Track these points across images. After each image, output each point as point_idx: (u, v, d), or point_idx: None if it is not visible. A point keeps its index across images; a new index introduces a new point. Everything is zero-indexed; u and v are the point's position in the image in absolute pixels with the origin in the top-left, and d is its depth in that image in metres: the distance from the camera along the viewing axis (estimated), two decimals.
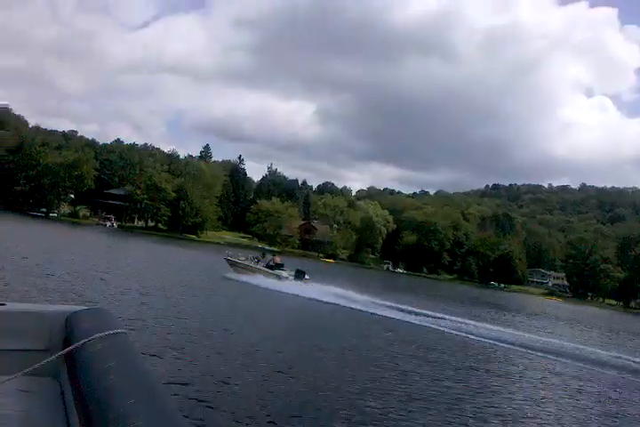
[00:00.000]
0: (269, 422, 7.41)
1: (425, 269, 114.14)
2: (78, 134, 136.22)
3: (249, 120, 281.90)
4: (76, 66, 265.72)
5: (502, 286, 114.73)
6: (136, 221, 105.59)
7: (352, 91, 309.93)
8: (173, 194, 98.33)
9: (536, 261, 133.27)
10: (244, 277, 26.44)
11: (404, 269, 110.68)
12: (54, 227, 68.41)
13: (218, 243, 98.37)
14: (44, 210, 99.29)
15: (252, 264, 28.29)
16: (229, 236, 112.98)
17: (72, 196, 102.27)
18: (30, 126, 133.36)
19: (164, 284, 22.01)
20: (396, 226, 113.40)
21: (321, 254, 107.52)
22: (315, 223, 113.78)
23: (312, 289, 25.18)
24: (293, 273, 27.81)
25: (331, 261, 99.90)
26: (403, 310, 24.53)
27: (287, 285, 25.59)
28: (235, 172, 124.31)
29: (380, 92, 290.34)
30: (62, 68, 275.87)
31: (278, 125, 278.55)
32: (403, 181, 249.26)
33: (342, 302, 23.61)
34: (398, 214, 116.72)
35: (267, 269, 27.63)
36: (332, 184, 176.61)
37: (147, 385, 1.61)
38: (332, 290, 25.67)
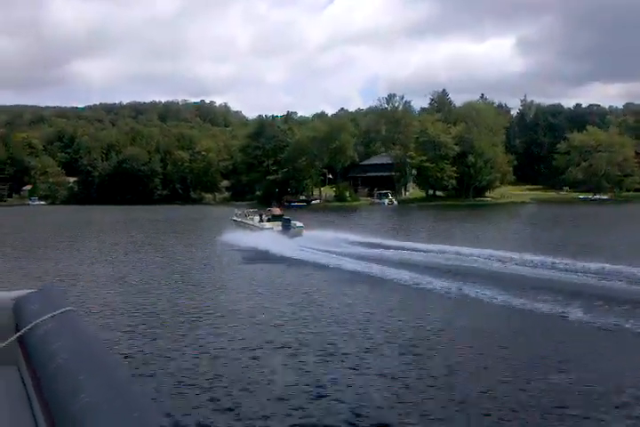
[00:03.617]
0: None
1: None
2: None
3: (445, 71, 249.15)
4: (277, 56, 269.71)
5: None
6: (403, 192, 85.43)
7: (554, 9, 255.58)
8: (455, 148, 75.34)
9: None
10: (229, 236, 23.85)
11: None
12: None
13: (523, 202, 73.45)
14: (304, 197, 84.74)
15: (249, 221, 26.55)
16: (520, 191, 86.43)
17: (330, 176, 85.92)
18: (248, 119, 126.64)
19: None
20: None
21: None
22: None
23: (288, 241, 20.99)
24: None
25: None
26: None
27: (256, 237, 22.07)
28: None
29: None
30: (267, 62, 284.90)
31: (478, 69, 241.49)
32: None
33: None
34: None
35: (253, 223, 25.65)
36: (598, 106, 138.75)
37: (97, 359, 1.59)
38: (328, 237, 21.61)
